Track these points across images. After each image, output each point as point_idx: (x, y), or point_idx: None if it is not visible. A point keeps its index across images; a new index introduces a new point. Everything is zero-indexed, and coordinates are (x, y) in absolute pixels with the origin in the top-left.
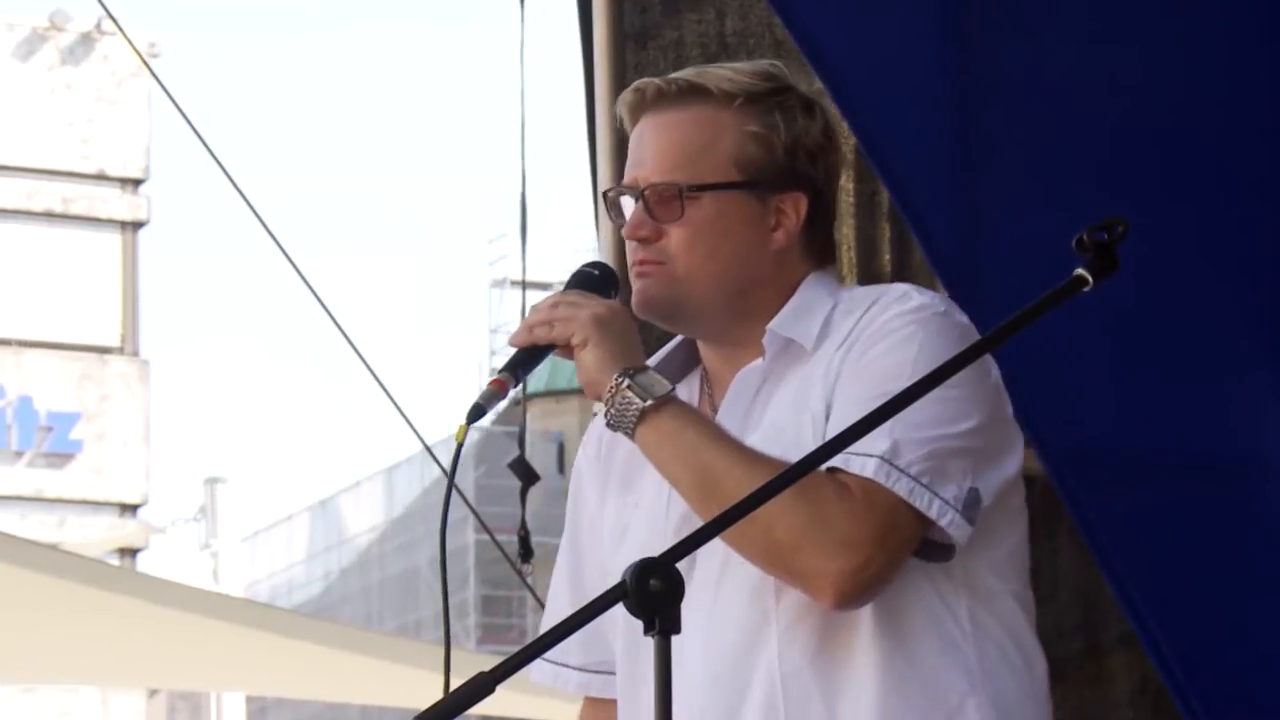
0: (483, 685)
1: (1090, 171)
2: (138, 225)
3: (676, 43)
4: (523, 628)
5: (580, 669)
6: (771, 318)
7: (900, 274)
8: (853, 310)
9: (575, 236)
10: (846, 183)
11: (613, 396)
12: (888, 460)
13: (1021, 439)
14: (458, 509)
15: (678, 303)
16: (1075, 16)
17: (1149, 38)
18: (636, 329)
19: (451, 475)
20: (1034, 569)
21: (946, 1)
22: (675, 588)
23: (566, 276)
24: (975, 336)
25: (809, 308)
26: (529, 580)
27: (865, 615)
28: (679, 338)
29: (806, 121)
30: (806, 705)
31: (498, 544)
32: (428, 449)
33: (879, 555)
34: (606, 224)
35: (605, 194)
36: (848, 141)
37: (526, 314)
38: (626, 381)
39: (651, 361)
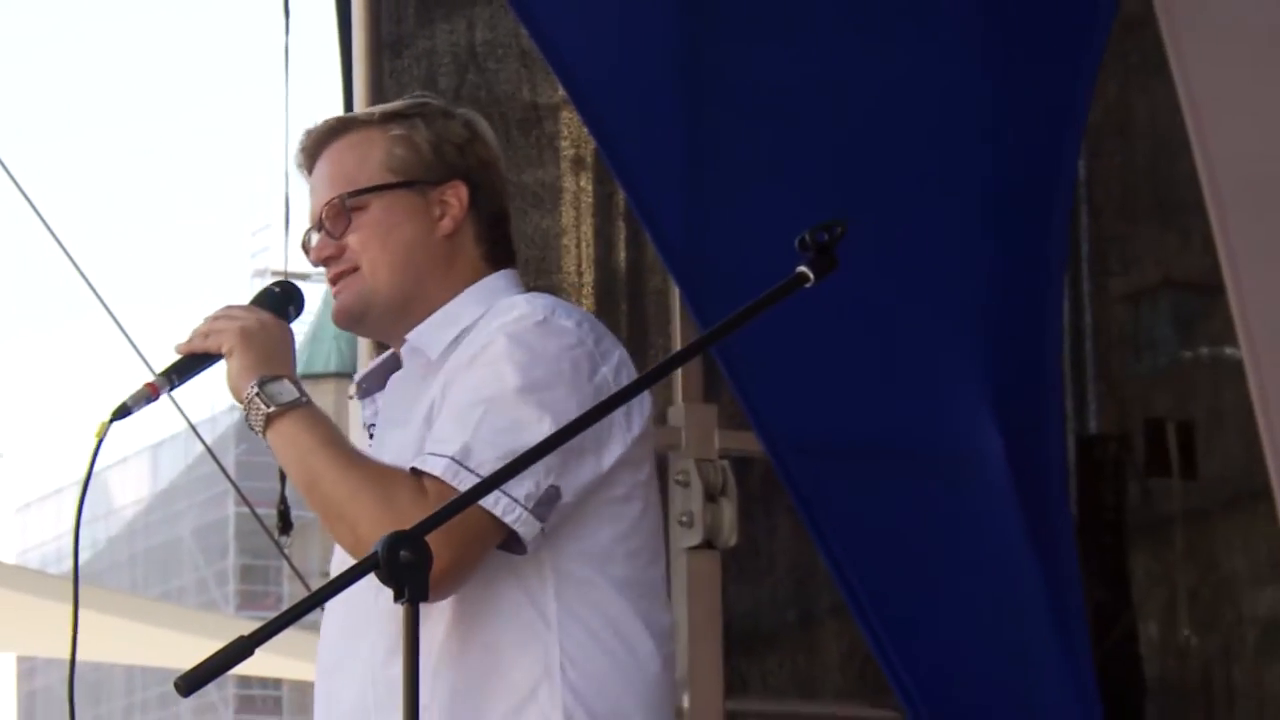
0: (243, 647)
1: (814, 175)
2: None
3: (429, 51)
4: (279, 594)
5: None
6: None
7: (635, 269)
8: (487, 320)
9: None
10: (586, 184)
11: (248, 402)
12: (457, 460)
13: (623, 436)
14: (220, 483)
15: (364, 308)
16: (802, 31)
17: (870, 54)
18: (286, 341)
19: (90, 468)
20: (752, 545)
21: (682, 14)
22: (424, 558)
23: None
24: (575, 338)
25: (452, 318)
26: (286, 551)
27: (446, 608)
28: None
29: (446, 121)
30: (391, 697)
31: (257, 516)
32: (192, 427)
33: (445, 553)
34: None
35: (302, 245)
36: (588, 145)
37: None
38: (257, 390)
39: (370, 365)
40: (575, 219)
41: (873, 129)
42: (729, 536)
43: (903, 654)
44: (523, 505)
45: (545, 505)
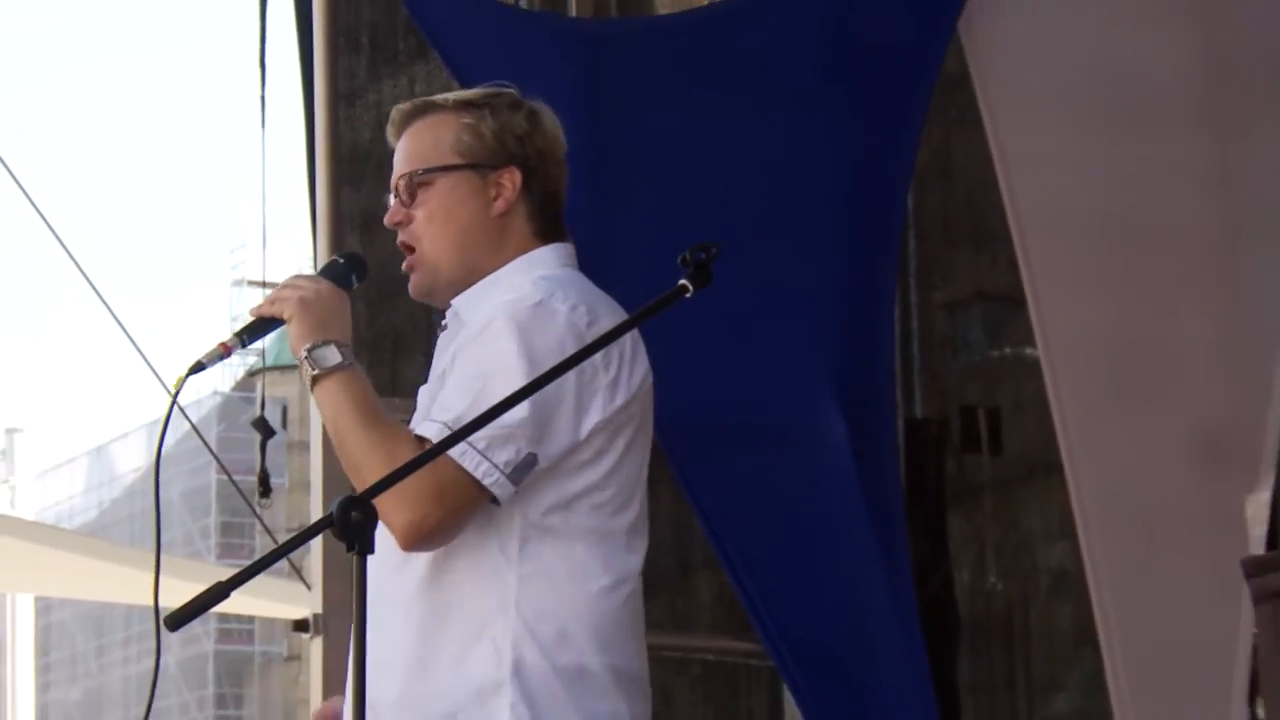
0: (221, 590)
1: (693, 209)
2: None
3: (377, 101)
4: (252, 547)
5: None
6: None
7: None
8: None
9: (305, 244)
10: None
11: (301, 363)
12: (448, 427)
13: (604, 406)
14: (204, 455)
15: (431, 284)
16: (684, 99)
17: (741, 117)
18: (340, 309)
19: (170, 411)
20: None
21: (582, 79)
22: (371, 518)
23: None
24: (565, 321)
25: (494, 288)
26: (260, 512)
27: (423, 555)
28: None
29: (511, 113)
30: (382, 620)
31: (234, 482)
32: (181, 410)
33: (436, 510)
34: (322, 240)
35: (386, 200)
36: None
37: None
38: (307, 354)
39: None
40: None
41: (744, 174)
42: None
43: (761, 596)
44: (501, 470)
45: (522, 470)
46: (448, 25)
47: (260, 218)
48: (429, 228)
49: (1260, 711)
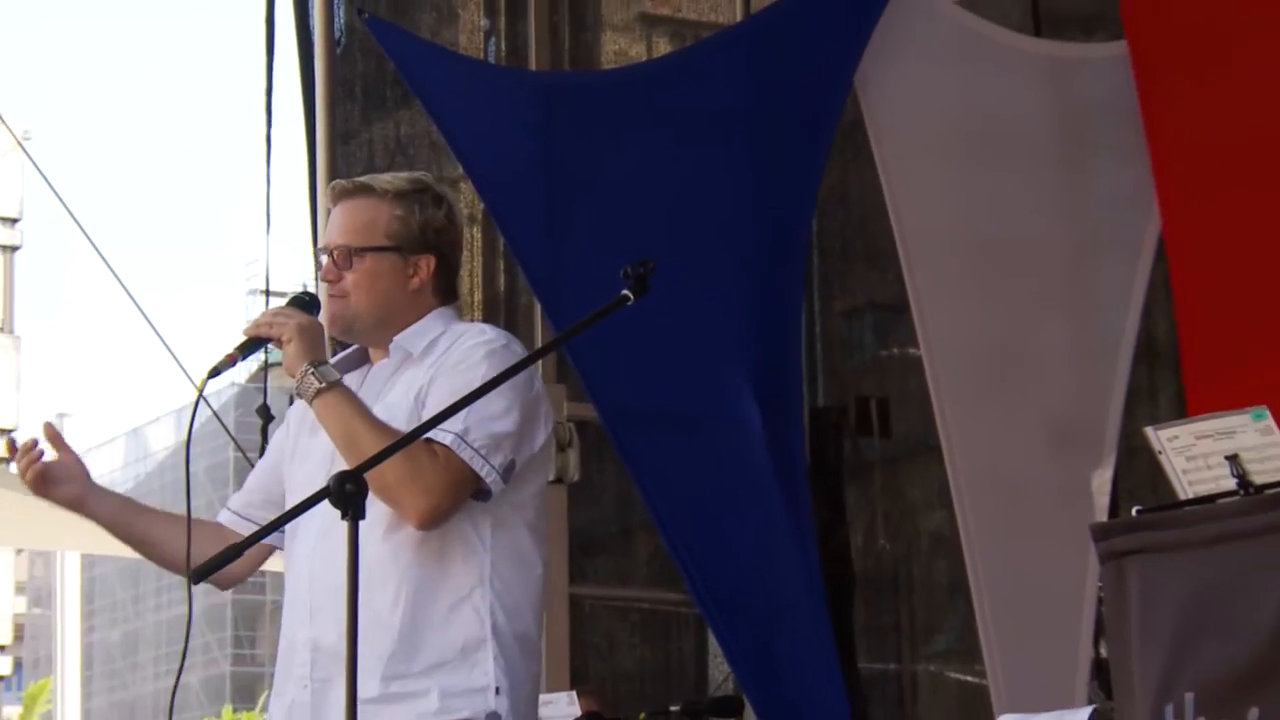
0: (236, 550)
1: (632, 229)
2: (13, 248)
3: (369, 141)
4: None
5: (235, 512)
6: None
7: (511, 292)
8: (452, 337)
9: (308, 260)
10: (477, 231)
11: (301, 379)
12: (461, 436)
13: (544, 430)
14: (223, 437)
15: (349, 324)
16: (622, 137)
17: (675, 153)
18: (323, 336)
19: (195, 406)
20: (589, 480)
21: (539, 121)
22: (361, 490)
23: (299, 288)
24: (516, 356)
25: (424, 331)
26: None
27: (419, 532)
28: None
29: (434, 209)
30: (369, 586)
31: (248, 459)
32: (206, 401)
33: (448, 498)
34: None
35: (315, 251)
36: (478, 206)
37: (257, 316)
38: (310, 370)
39: (336, 359)
40: (469, 257)
41: (677, 201)
42: (573, 474)
43: (689, 555)
44: (497, 470)
45: (508, 471)
46: (428, 77)
47: (268, 237)
48: (356, 290)
49: (1103, 651)
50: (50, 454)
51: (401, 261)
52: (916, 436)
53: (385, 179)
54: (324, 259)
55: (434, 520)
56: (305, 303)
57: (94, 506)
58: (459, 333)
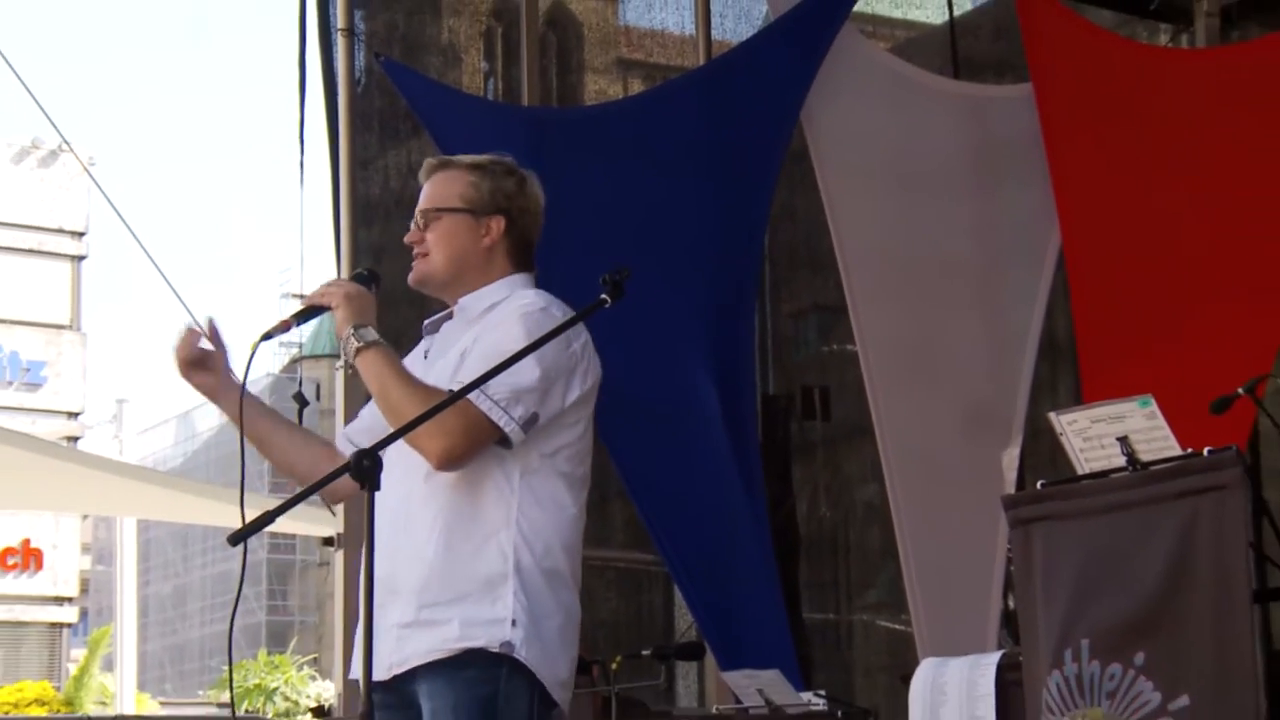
0: (271, 515)
1: (611, 242)
2: (80, 258)
3: (385, 166)
4: (294, 485)
5: (346, 436)
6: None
7: None
8: (510, 303)
9: (331, 267)
10: None
11: (345, 340)
12: (481, 389)
13: (579, 386)
14: None
15: (427, 278)
16: (602, 164)
17: (646, 175)
18: (371, 303)
19: (246, 373)
20: None
21: (531, 150)
22: (378, 466)
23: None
24: (554, 320)
25: (488, 295)
26: None
27: (453, 475)
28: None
29: (506, 179)
30: (411, 521)
31: None
32: (244, 388)
33: (463, 442)
34: (345, 264)
35: (410, 224)
36: None
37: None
38: (352, 333)
39: (433, 319)
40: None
41: (648, 219)
42: None
43: (659, 520)
44: (516, 421)
45: (529, 424)
46: (435, 111)
47: (300, 247)
48: (435, 247)
49: (1010, 603)
50: (206, 345)
51: (474, 221)
52: (853, 420)
53: (467, 156)
54: (413, 225)
55: (449, 462)
56: (364, 277)
57: (224, 399)
58: (517, 299)
